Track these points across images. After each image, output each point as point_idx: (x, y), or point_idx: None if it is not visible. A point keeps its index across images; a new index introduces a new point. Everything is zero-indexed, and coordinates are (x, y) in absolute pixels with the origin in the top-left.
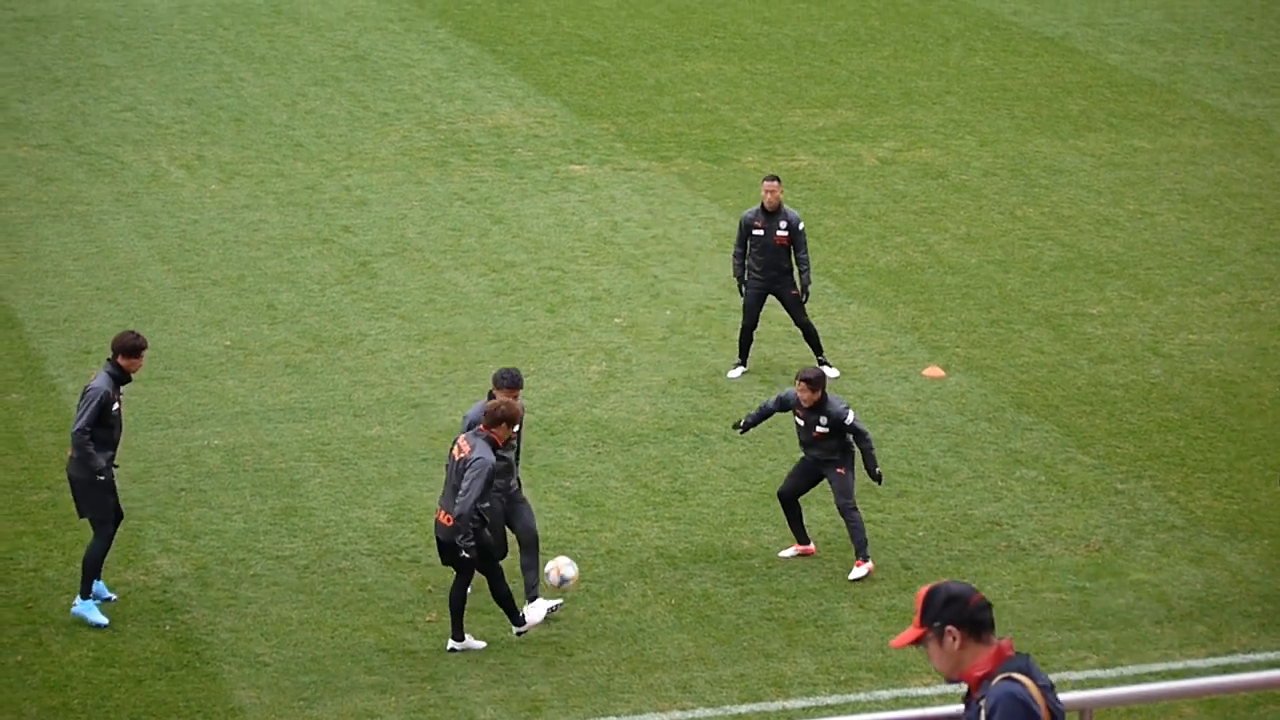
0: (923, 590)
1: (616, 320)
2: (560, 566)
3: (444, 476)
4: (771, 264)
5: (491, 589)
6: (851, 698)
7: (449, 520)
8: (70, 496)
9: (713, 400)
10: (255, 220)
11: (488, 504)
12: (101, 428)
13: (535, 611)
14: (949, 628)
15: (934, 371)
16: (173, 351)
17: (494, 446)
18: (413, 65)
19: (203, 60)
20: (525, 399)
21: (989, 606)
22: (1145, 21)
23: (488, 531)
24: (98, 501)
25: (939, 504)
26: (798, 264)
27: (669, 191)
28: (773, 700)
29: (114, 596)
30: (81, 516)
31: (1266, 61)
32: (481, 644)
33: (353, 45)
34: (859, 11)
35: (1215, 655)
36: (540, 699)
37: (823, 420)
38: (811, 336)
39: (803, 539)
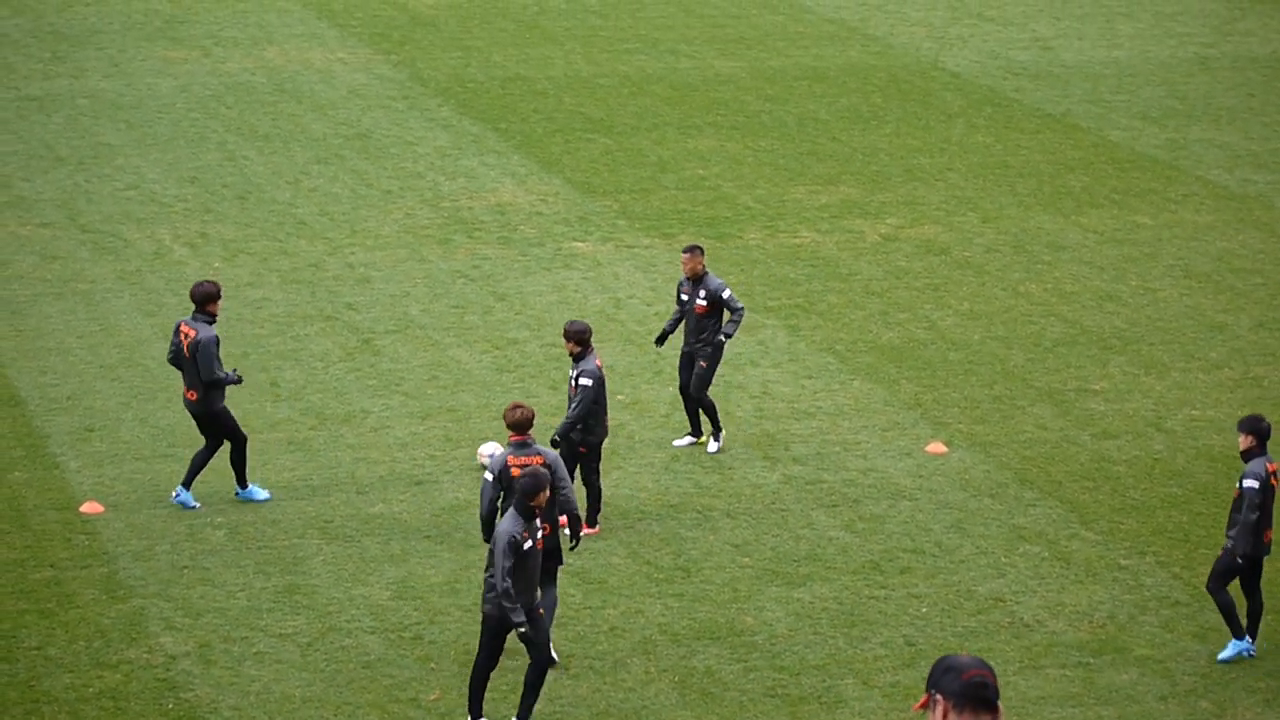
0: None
1: (619, 397)
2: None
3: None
4: (692, 330)
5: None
6: None
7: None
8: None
9: (716, 477)
10: (259, 298)
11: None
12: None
13: None
14: (938, 696)
15: (937, 447)
16: (176, 429)
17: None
18: (416, 143)
19: (206, 139)
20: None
21: (986, 685)
22: (1146, 98)
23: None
24: (224, 421)
25: (942, 580)
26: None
27: (672, 269)
28: None
29: (269, 495)
30: (215, 439)
31: (1268, 138)
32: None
33: (355, 123)
34: (861, 89)
35: None
36: None
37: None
38: (695, 410)
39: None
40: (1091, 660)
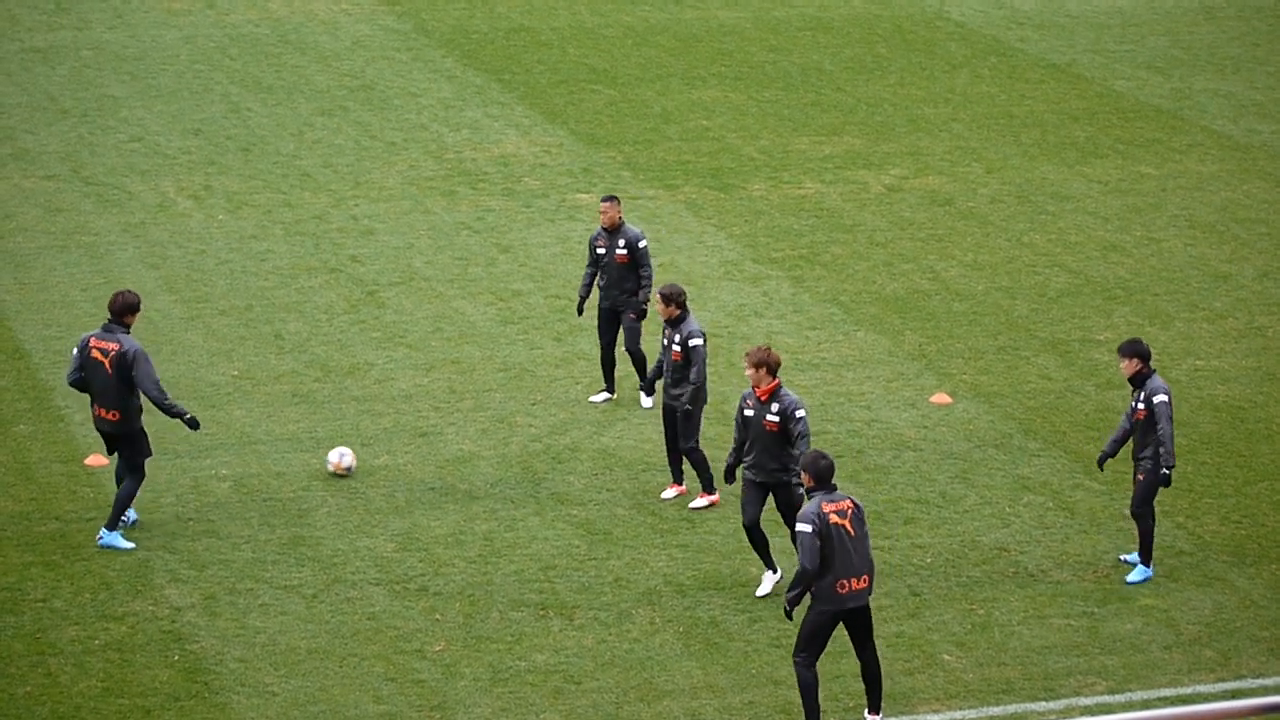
0: None
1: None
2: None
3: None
4: (613, 283)
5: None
6: None
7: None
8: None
9: (720, 427)
10: (262, 250)
11: None
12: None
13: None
14: None
15: (941, 398)
16: (180, 381)
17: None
18: (420, 95)
19: (210, 90)
20: (532, 427)
21: None
22: (1151, 48)
23: None
24: (144, 448)
25: (946, 530)
26: (639, 280)
27: (676, 220)
28: None
29: (138, 519)
30: (133, 461)
31: (1273, 87)
32: None
33: (360, 75)
34: (865, 39)
35: (1224, 680)
36: None
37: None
38: (640, 363)
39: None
40: (1096, 610)
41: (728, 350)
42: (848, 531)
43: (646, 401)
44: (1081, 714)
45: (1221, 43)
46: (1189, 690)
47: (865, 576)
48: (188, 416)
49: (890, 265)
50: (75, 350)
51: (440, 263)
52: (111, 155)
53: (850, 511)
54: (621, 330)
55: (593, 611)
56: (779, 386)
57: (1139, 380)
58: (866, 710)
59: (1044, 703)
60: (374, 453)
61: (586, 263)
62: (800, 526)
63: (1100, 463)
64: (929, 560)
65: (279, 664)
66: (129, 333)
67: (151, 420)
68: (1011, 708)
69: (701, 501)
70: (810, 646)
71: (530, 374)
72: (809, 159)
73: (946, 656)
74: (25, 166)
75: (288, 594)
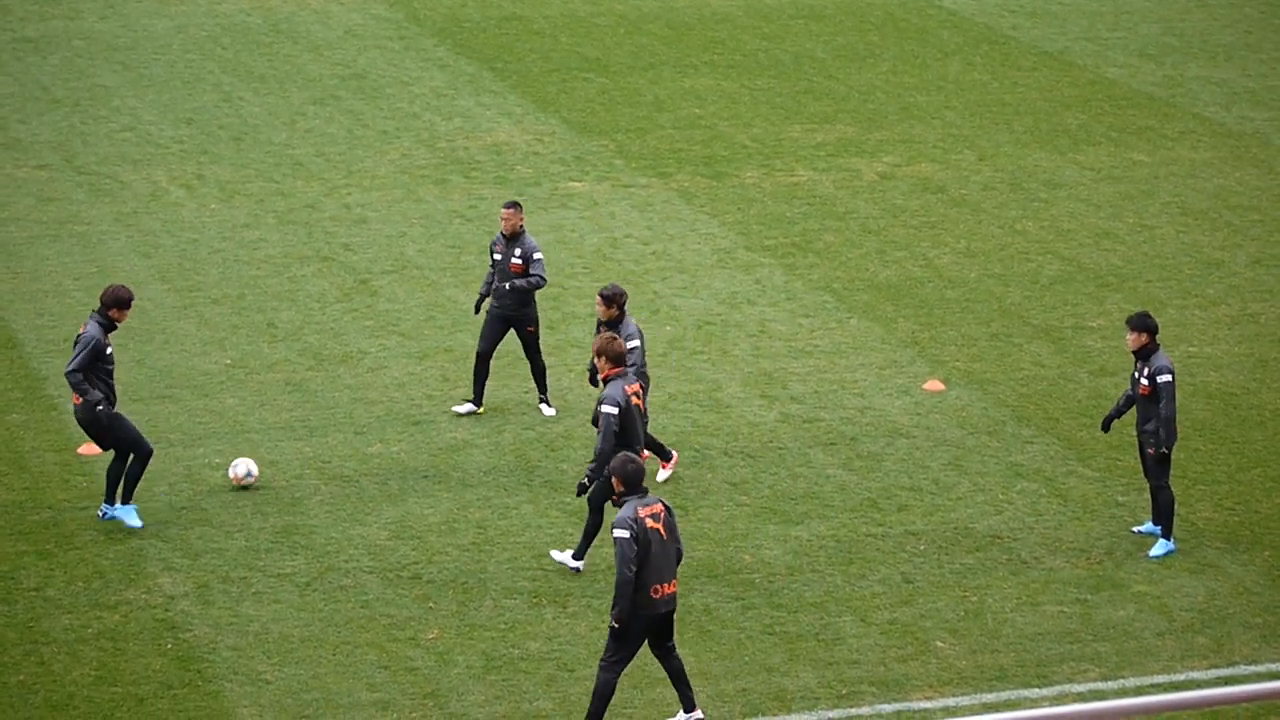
0: None
1: None
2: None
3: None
4: (506, 292)
5: None
6: (853, 712)
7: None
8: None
9: (713, 416)
10: (255, 239)
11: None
12: (97, 371)
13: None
14: None
15: (934, 385)
16: (173, 370)
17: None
18: (412, 83)
19: (202, 80)
20: (525, 415)
21: None
22: (1144, 35)
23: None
24: (117, 431)
25: (940, 517)
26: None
27: (668, 208)
28: (775, 715)
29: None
30: (106, 449)
31: (1265, 75)
32: None
33: (351, 64)
34: (857, 27)
35: (1217, 667)
36: (543, 715)
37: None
38: (540, 373)
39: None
40: (1089, 597)
41: (720, 338)
42: (661, 535)
43: (548, 411)
44: (1074, 701)
45: (1214, 30)
46: (1182, 677)
47: (674, 581)
48: (99, 408)
49: (883, 253)
50: None
51: (433, 251)
52: (104, 144)
53: (662, 515)
54: (520, 342)
55: (586, 599)
56: (613, 376)
57: (1144, 354)
58: (682, 710)
59: (1037, 689)
60: (367, 441)
61: (490, 263)
62: (617, 532)
63: (1105, 425)
64: (922, 547)
65: (272, 652)
66: (112, 325)
67: (143, 409)
68: (1004, 694)
69: (664, 473)
70: (621, 652)
71: (523, 362)
72: (801, 147)
73: (939, 643)
74: (17, 156)
75: (281, 582)
